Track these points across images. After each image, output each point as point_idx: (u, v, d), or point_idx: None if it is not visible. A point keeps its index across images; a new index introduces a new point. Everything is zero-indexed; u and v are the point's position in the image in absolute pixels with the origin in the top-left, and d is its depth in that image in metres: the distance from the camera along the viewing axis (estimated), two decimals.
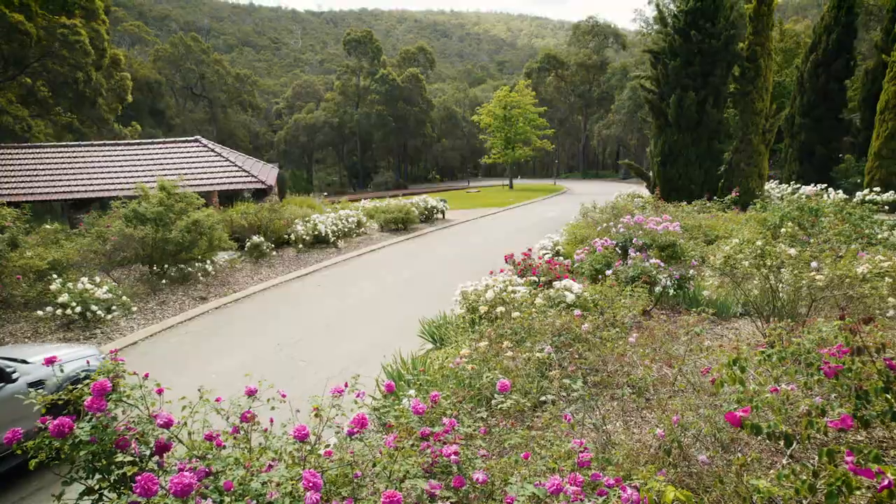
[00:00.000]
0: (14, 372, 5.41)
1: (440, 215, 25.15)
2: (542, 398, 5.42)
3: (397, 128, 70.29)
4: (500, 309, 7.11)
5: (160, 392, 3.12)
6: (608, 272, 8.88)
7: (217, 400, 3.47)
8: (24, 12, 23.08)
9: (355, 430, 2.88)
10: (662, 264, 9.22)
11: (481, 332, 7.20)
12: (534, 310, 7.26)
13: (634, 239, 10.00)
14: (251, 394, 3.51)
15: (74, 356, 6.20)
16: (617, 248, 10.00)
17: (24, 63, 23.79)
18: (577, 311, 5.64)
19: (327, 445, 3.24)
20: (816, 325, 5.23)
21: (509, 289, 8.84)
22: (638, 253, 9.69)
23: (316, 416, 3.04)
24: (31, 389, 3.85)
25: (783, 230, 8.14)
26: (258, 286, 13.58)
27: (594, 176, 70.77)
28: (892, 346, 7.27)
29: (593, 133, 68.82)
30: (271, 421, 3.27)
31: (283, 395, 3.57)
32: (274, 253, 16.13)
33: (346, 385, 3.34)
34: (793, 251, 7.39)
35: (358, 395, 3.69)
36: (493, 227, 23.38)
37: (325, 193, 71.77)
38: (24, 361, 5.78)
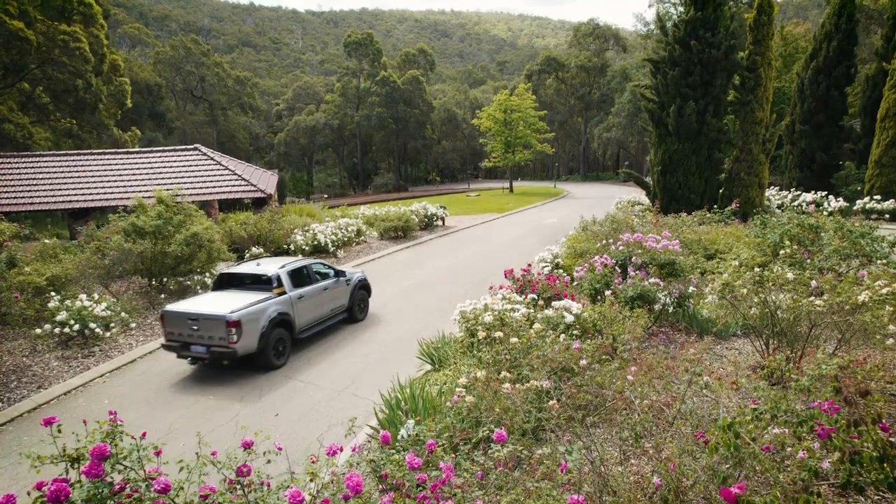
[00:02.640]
0: (344, 273, 11.62)
1: (440, 222, 25.13)
2: (540, 430, 5.42)
3: (397, 130, 70.26)
4: (497, 334, 7.09)
5: (158, 454, 3.11)
6: (607, 292, 8.87)
7: (213, 453, 3.47)
8: (23, 19, 23.05)
9: (350, 495, 2.87)
10: (661, 283, 9.21)
11: (479, 358, 7.19)
12: (532, 333, 7.26)
13: (633, 257, 9.98)
14: (247, 446, 3.50)
15: (357, 272, 12.22)
16: (616, 267, 9.97)
17: (24, 70, 23.77)
18: (575, 344, 5.61)
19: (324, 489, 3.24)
20: (816, 361, 5.23)
21: (507, 307, 8.85)
22: (637, 272, 9.67)
23: (311, 480, 3.03)
24: (344, 285, 11.47)
25: (782, 252, 8.12)
26: None
27: (594, 178, 70.69)
28: (890, 370, 7.23)
29: (594, 136, 68.77)
30: (266, 484, 3.25)
31: (280, 448, 3.57)
32: None
33: (340, 448, 3.33)
34: (791, 275, 7.38)
35: (354, 450, 3.68)
36: (492, 234, 23.36)
37: (325, 196, 71.94)
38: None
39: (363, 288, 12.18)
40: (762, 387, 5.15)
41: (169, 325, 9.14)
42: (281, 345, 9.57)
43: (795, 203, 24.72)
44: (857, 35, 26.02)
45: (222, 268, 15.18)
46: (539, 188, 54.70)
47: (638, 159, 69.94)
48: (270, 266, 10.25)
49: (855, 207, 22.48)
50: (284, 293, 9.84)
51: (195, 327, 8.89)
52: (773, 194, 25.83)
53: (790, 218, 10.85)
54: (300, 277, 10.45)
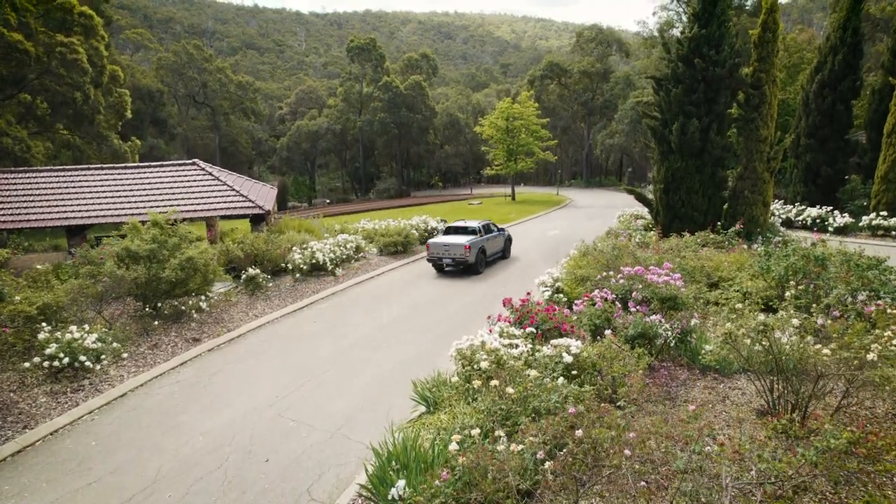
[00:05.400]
0: (503, 229, 20.76)
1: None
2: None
3: (400, 135, 70.14)
4: (494, 382, 6.90)
5: None
6: (607, 332, 8.64)
7: None
8: (23, 31, 22.94)
9: None
10: (663, 320, 8.99)
11: (475, 408, 6.98)
12: (529, 379, 7.06)
13: (634, 292, 9.75)
14: None
15: (506, 231, 20.94)
16: (616, 302, 9.75)
17: (23, 81, 23.67)
18: (571, 409, 5.39)
19: None
20: (824, 434, 4.99)
21: (505, 343, 8.71)
22: (638, 307, 9.44)
23: None
24: (502, 236, 20.40)
25: (788, 294, 7.88)
26: (252, 323, 13.36)
27: (597, 184, 70.43)
28: None
29: (597, 142, 68.48)
30: None
31: None
32: (270, 284, 15.92)
33: None
34: (796, 321, 7.15)
35: None
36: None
37: (328, 201, 71.74)
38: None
39: (508, 240, 20.80)
40: (766, 457, 4.92)
41: (431, 250, 18.16)
42: (482, 262, 18.27)
43: (800, 218, 24.46)
44: (863, 48, 25.69)
45: (219, 287, 15.09)
46: (541, 195, 54.42)
47: (641, 165, 69.68)
48: (473, 223, 19.41)
49: (861, 223, 22.19)
50: (482, 236, 18.57)
51: (447, 250, 17.78)
52: (777, 208, 25.55)
53: (794, 249, 10.60)
54: (485, 229, 19.17)
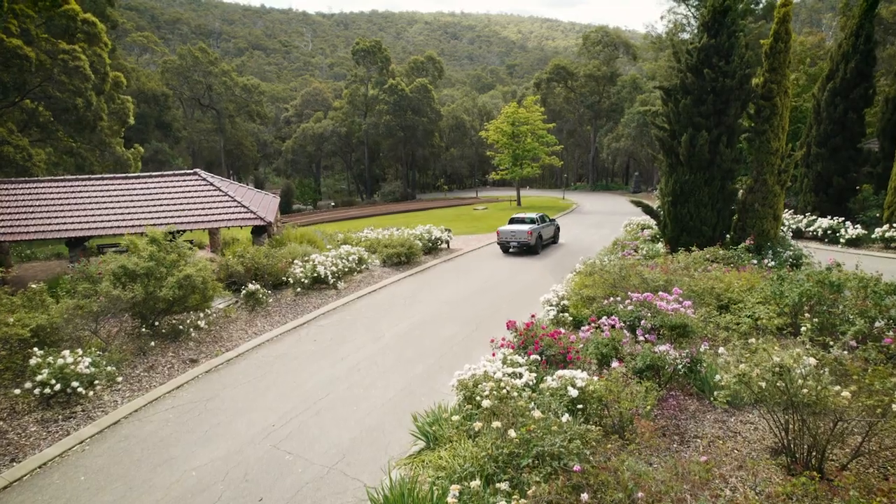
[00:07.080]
0: (553, 220, 26.89)
1: (444, 245, 24.64)
2: None
3: (405, 138, 69.88)
4: (496, 424, 6.61)
5: None
6: (614, 364, 8.34)
7: None
8: (24, 37, 22.81)
9: None
10: (672, 350, 8.67)
11: (476, 453, 6.69)
12: (532, 424, 6.77)
13: (643, 321, 9.43)
14: None
15: (556, 221, 27.66)
16: (624, 329, 9.43)
17: (25, 88, 23.56)
18: (576, 466, 5.10)
19: None
20: (850, 502, 4.67)
21: (508, 371, 8.48)
22: (647, 336, 9.12)
23: None
24: (553, 225, 26.31)
25: (803, 328, 7.54)
26: (251, 342, 13.11)
27: (604, 188, 69.90)
28: None
29: (603, 145, 67.96)
30: None
31: None
32: (270, 299, 15.67)
33: None
34: (812, 360, 6.82)
35: None
36: (498, 260, 22.78)
37: (332, 203, 71.55)
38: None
39: (558, 229, 26.13)
40: None
41: (501, 235, 23.22)
42: (540, 245, 23.23)
43: (811, 228, 24.02)
44: (876, 55, 25.19)
45: (218, 303, 14.86)
46: (547, 200, 54.02)
47: (648, 169, 69.15)
48: (533, 214, 24.49)
49: (874, 235, 21.74)
50: (539, 224, 23.53)
51: (513, 235, 22.79)
52: (787, 218, 25.10)
53: (809, 274, 10.24)
54: (541, 220, 24.26)
